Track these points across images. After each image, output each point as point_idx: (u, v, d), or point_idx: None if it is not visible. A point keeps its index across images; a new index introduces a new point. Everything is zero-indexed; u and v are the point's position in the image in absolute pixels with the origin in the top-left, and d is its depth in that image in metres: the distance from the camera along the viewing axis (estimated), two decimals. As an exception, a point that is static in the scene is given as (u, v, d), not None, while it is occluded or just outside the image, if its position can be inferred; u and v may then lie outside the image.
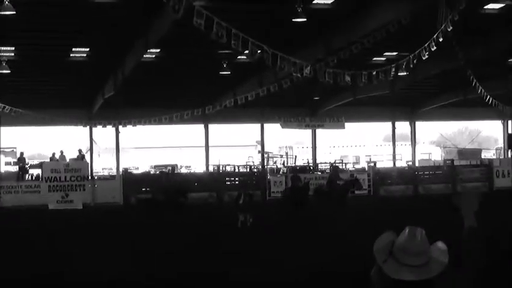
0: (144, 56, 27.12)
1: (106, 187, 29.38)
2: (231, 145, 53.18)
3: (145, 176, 35.91)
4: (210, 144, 41.24)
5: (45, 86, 33.98)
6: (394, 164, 43.52)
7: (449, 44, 21.03)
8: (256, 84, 30.62)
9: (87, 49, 28.24)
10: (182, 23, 19.86)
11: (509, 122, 44.53)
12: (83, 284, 10.73)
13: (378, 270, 3.04)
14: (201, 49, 27.42)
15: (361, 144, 59.45)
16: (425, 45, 19.41)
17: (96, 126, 34.43)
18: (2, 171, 36.91)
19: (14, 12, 18.40)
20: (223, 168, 37.92)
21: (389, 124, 44.97)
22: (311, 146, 43.89)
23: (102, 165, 46.55)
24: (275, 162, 45.13)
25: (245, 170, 38.14)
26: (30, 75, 31.69)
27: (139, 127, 33.43)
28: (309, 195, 22.03)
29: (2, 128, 36.78)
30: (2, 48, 27.11)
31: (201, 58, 29.77)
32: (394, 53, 29.18)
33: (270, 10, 22.73)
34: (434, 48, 19.10)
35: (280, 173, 35.44)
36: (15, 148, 43.40)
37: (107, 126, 33.19)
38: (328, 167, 39.01)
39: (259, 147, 43.56)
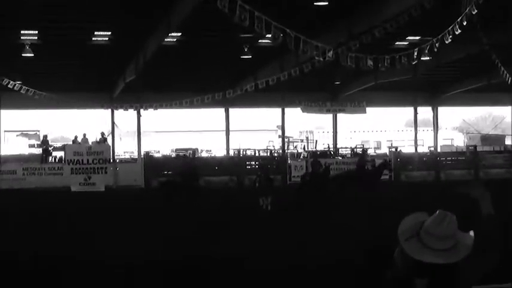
0: (166, 40, 27.15)
1: (128, 170, 29.67)
2: (252, 129, 53.08)
3: (167, 159, 36.08)
4: (230, 129, 41.27)
5: (68, 69, 34.23)
6: (416, 149, 43.18)
7: (473, 27, 20.71)
8: (278, 68, 30.51)
9: (109, 33, 28.33)
10: (204, 6, 19.93)
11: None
12: (104, 265, 10.84)
13: (401, 250, 3.04)
14: (223, 33, 27.37)
15: (383, 130, 58.97)
16: (449, 28, 19.14)
17: (117, 109, 34.67)
18: (26, 153, 37.38)
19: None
20: (244, 152, 37.96)
21: (411, 109, 44.52)
22: (332, 130, 43.69)
23: (124, 148, 46.81)
24: (295, 147, 45.01)
25: (265, 154, 38.15)
26: (52, 59, 31.92)
27: (160, 111, 33.56)
28: (328, 180, 21.93)
29: (26, 110, 37.20)
30: (26, 32, 27.34)
31: (222, 42, 29.71)
32: (417, 37, 28.86)
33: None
34: (459, 31, 18.82)
35: (301, 157, 35.39)
36: (38, 131, 43.82)
37: (128, 110, 33.40)
38: (349, 151, 38.88)
39: (279, 132, 43.44)
